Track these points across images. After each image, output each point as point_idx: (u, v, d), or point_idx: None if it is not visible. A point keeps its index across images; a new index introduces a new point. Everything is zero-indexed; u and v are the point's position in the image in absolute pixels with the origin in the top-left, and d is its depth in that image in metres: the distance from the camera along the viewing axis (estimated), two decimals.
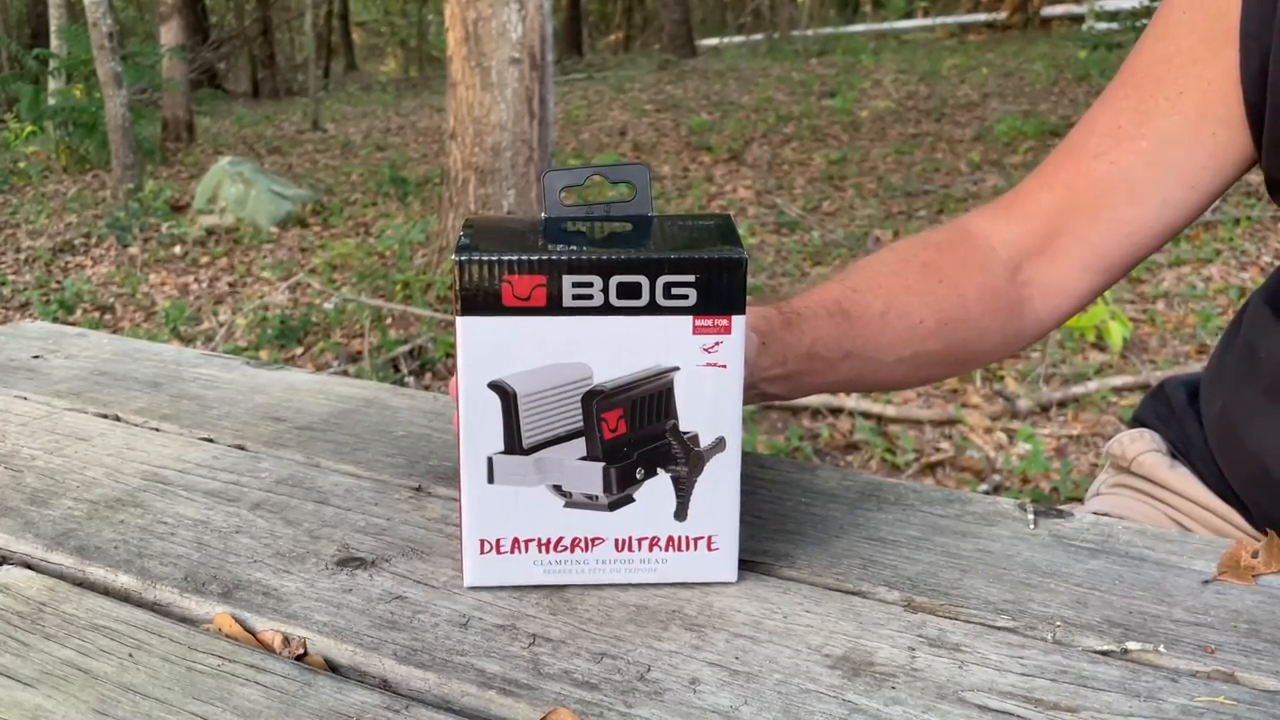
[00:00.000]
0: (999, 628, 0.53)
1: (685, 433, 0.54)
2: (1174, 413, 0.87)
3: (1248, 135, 0.71)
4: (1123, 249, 0.76)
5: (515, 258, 0.51)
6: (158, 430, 0.79)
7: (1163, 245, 0.77)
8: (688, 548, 0.55)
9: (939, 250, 0.78)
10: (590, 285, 0.51)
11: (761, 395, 0.68)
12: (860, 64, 11.38)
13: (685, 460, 0.54)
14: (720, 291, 0.51)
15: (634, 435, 0.53)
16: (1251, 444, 0.74)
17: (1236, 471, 0.77)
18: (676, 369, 0.52)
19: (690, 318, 0.52)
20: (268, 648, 0.52)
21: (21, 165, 8.06)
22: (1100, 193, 0.75)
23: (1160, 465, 0.84)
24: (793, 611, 0.54)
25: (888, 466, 2.68)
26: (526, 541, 0.55)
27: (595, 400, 0.53)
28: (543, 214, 0.57)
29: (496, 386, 0.52)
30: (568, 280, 0.51)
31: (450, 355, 3.60)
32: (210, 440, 0.77)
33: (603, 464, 0.54)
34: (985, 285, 0.76)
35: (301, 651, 0.52)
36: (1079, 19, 13.88)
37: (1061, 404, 2.94)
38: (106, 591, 0.57)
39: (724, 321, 0.52)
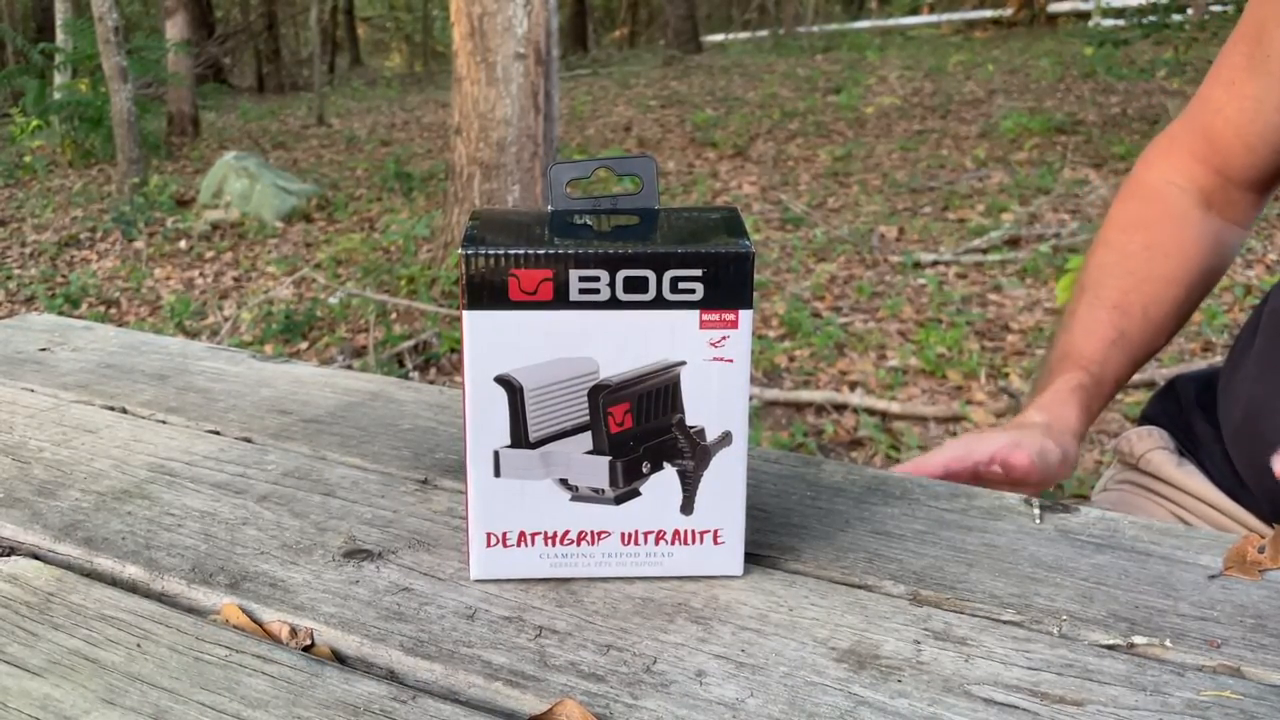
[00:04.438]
0: (1005, 621, 0.53)
1: (691, 427, 0.54)
2: (1182, 410, 0.87)
3: None
4: (1261, 181, 0.86)
5: (521, 251, 0.51)
6: (164, 423, 0.79)
7: None
8: (694, 541, 0.55)
9: (1150, 228, 0.88)
10: (597, 279, 0.51)
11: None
12: (865, 60, 11.36)
13: (691, 454, 0.54)
14: (727, 286, 0.51)
15: (640, 429, 0.54)
16: (1272, 434, 0.74)
17: (1254, 463, 0.77)
18: (683, 363, 0.53)
19: (697, 312, 0.52)
20: (275, 638, 0.52)
21: (27, 159, 8.07)
22: (1225, 142, 0.85)
23: (1168, 463, 0.83)
24: (799, 604, 0.54)
25: (891, 463, 2.68)
26: (533, 535, 0.55)
27: (601, 394, 0.53)
28: (549, 207, 0.57)
29: (503, 380, 0.52)
30: (574, 274, 0.51)
31: (455, 350, 3.60)
32: (217, 433, 0.77)
33: (609, 458, 0.54)
34: (1200, 236, 0.87)
35: (308, 642, 0.52)
36: (1085, 15, 13.84)
37: None
38: (114, 582, 0.58)
39: (730, 316, 0.52)
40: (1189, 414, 0.85)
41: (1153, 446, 0.85)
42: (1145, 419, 0.90)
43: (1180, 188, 0.87)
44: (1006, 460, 0.75)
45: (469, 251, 0.50)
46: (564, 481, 0.54)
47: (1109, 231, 0.90)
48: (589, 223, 0.55)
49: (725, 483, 0.54)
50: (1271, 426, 0.74)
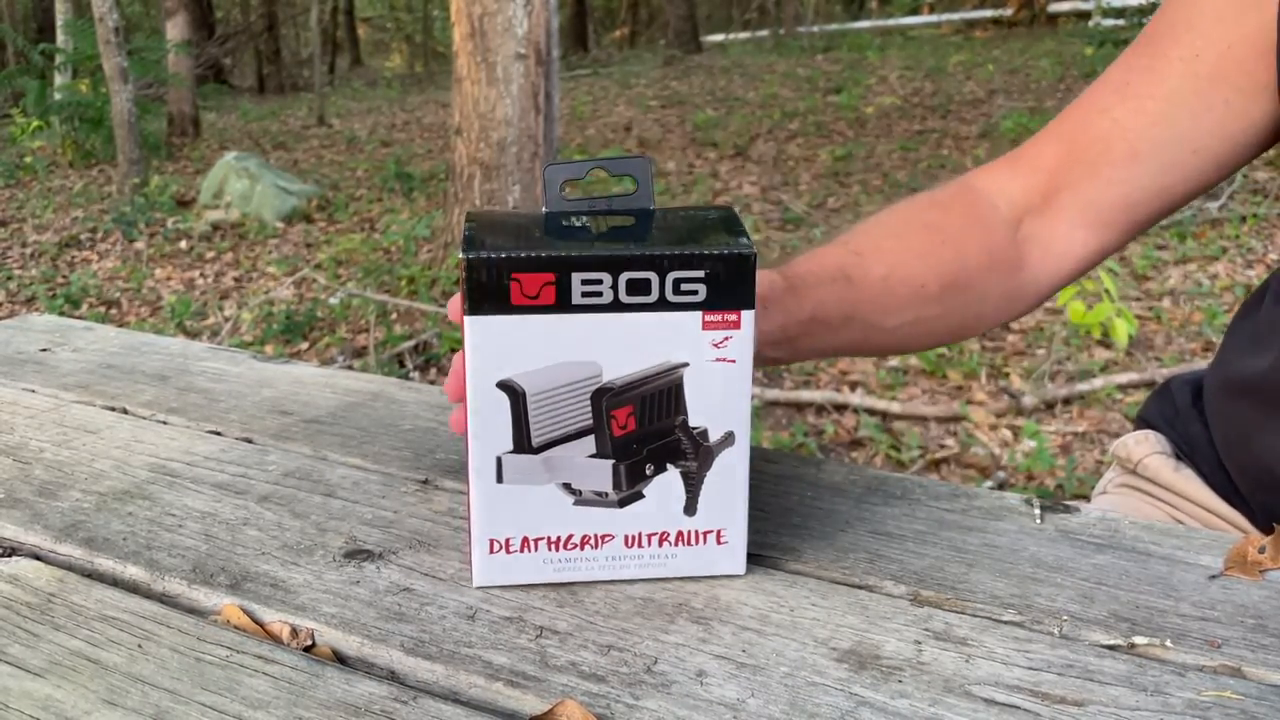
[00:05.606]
0: (1005, 622, 0.53)
1: (694, 428, 0.54)
2: (1178, 413, 0.86)
3: (1273, 107, 0.69)
4: (1119, 208, 0.74)
5: (524, 255, 0.50)
6: (165, 423, 0.79)
7: (1168, 213, 0.75)
8: (697, 542, 0.55)
9: (943, 209, 0.76)
10: (599, 282, 0.51)
11: (760, 360, 0.66)
12: (866, 60, 11.37)
13: (694, 455, 0.54)
14: (730, 287, 0.51)
15: (643, 432, 0.54)
16: (1260, 449, 0.74)
17: (1245, 475, 0.77)
18: (686, 365, 0.53)
19: (699, 313, 0.52)
20: (276, 639, 0.52)
21: (27, 160, 8.08)
22: (1100, 149, 0.73)
23: (1165, 468, 0.83)
24: (799, 605, 0.54)
25: (892, 463, 2.68)
26: (536, 540, 0.55)
27: (604, 397, 0.53)
28: (543, 208, 0.56)
29: (505, 385, 0.52)
30: (576, 277, 0.51)
31: (455, 350, 3.60)
32: (218, 433, 0.77)
33: (612, 461, 0.54)
34: (986, 244, 0.74)
35: (309, 643, 0.52)
36: (1085, 15, 13.84)
37: (1067, 401, 2.94)
38: (115, 583, 0.58)
39: (733, 317, 0.52)
40: (1185, 417, 0.85)
41: (1150, 451, 0.85)
42: (1143, 421, 0.90)
43: (997, 205, 0.75)
44: None
45: (470, 255, 0.50)
46: (567, 486, 0.54)
47: (904, 200, 0.78)
48: (586, 224, 0.55)
49: (728, 483, 0.55)
50: (1259, 438, 0.74)
